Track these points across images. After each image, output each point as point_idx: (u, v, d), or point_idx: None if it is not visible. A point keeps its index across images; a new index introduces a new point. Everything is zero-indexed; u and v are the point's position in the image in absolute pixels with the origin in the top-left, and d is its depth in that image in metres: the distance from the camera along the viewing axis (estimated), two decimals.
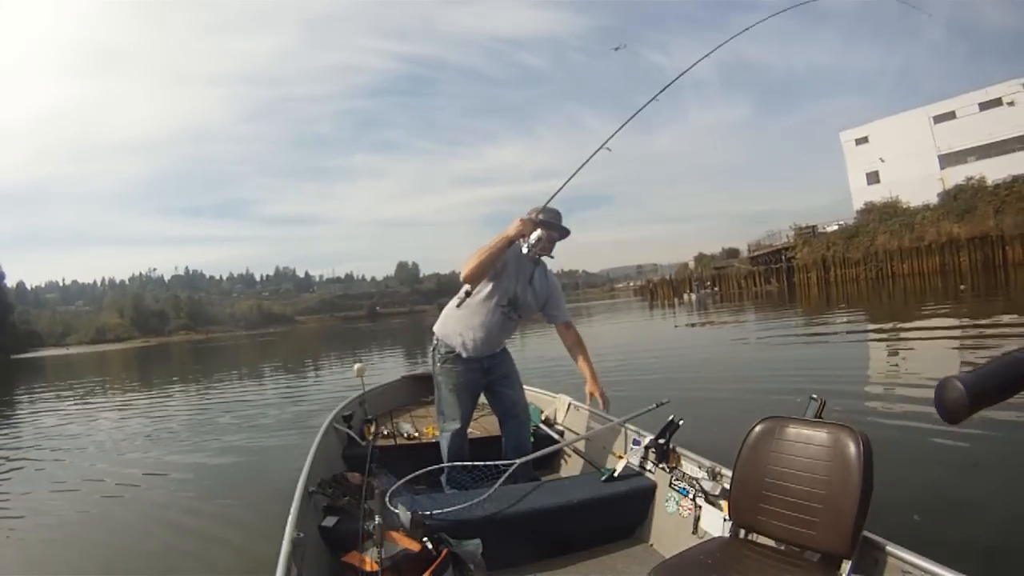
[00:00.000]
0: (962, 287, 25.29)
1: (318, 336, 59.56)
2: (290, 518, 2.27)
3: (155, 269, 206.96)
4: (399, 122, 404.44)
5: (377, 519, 2.30)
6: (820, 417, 2.12)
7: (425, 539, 2.36)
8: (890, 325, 15.66)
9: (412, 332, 44.14)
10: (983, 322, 13.72)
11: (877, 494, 1.90)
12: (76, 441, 9.15)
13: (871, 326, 16.43)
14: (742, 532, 2.20)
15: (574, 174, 3.67)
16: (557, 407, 4.57)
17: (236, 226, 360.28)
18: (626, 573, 2.70)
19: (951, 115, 47.37)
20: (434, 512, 2.64)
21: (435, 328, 3.68)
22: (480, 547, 2.40)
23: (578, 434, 4.09)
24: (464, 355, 3.55)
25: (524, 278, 3.54)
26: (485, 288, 3.47)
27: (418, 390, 5.77)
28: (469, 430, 4.00)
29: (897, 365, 10.22)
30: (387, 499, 2.58)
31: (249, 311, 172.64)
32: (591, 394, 3.67)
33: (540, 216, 3.46)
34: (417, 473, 2.98)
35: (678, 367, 11.44)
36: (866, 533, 1.90)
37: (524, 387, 4.61)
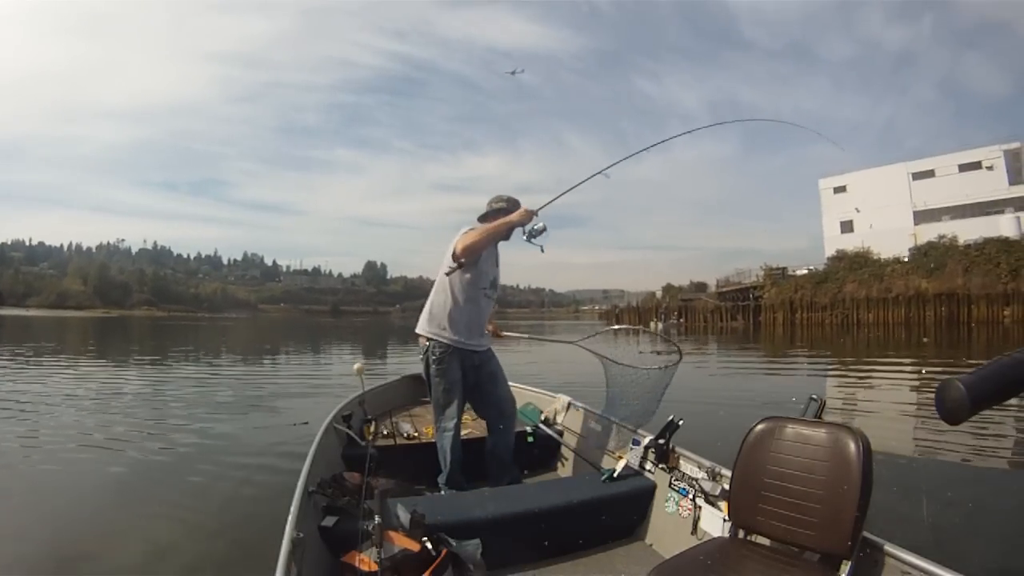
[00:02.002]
0: (925, 339, 25.91)
1: (281, 326, 58.84)
2: (290, 518, 2.25)
3: (123, 240, 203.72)
4: (384, 121, 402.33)
5: (376, 519, 2.29)
6: (820, 418, 2.14)
7: (424, 539, 2.36)
8: (851, 366, 16.25)
9: (376, 331, 44.01)
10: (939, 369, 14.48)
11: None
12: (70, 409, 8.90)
13: (832, 365, 16.98)
14: (741, 532, 2.21)
15: (567, 191, 3.76)
16: (556, 407, 4.57)
17: (210, 206, 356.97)
18: (626, 573, 2.70)
19: (930, 173, 48.72)
20: (433, 512, 2.62)
21: (420, 330, 3.72)
22: (480, 547, 2.41)
23: (578, 434, 4.10)
24: (458, 346, 3.63)
25: (495, 260, 3.79)
26: (468, 274, 3.59)
27: (418, 390, 5.72)
28: (467, 430, 4.01)
29: (855, 396, 10.72)
30: (386, 499, 2.59)
31: (213, 293, 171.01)
32: (493, 331, 4.08)
33: (503, 205, 3.71)
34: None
35: None
36: (866, 534, 1.92)
37: (524, 387, 4.72)
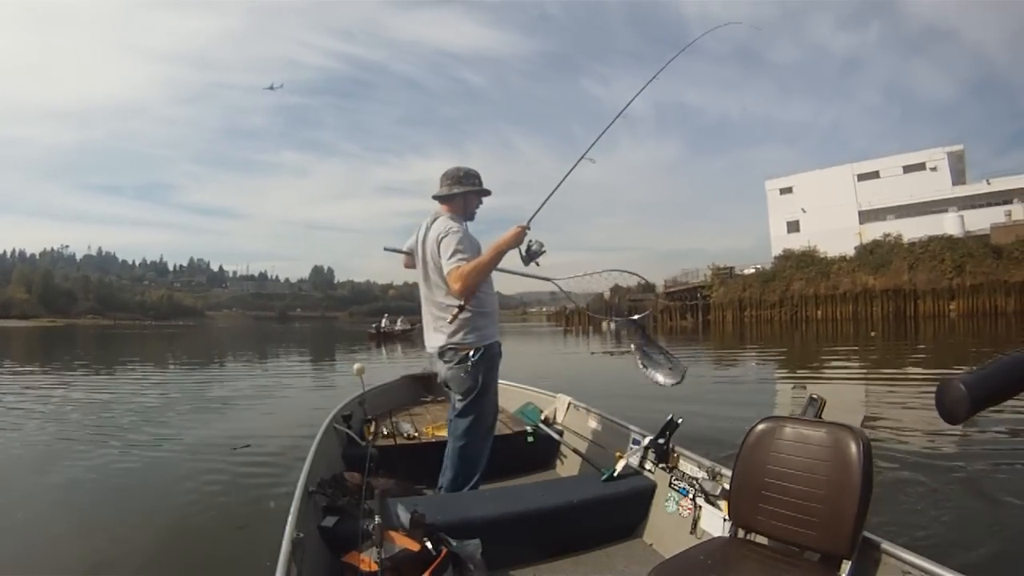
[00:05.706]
0: (873, 334, 26.80)
1: (233, 334, 57.72)
2: (290, 518, 2.24)
3: (67, 246, 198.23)
4: (331, 123, 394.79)
5: (377, 519, 2.27)
6: (820, 417, 2.15)
7: (425, 539, 2.35)
8: (801, 361, 16.80)
9: (323, 337, 43.63)
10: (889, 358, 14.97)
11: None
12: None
13: (784, 360, 17.46)
14: (741, 532, 2.20)
15: (552, 192, 3.49)
16: (557, 407, 4.57)
17: (154, 211, 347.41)
18: (626, 573, 2.70)
19: (875, 174, 50.73)
20: (434, 512, 2.61)
21: (465, 338, 3.31)
22: (480, 547, 2.41)
23: (578, 434, 4.10)
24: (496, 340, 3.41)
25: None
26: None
27: (418, 390, 5.79)
28: None
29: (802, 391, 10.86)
30: (386, 499, 2.59)
31: (159, 300, 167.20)
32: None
33: (475, 186, 3.46)
34: None
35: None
36: (866, 533, 1.94)
37: (524, 387, 4.83)
